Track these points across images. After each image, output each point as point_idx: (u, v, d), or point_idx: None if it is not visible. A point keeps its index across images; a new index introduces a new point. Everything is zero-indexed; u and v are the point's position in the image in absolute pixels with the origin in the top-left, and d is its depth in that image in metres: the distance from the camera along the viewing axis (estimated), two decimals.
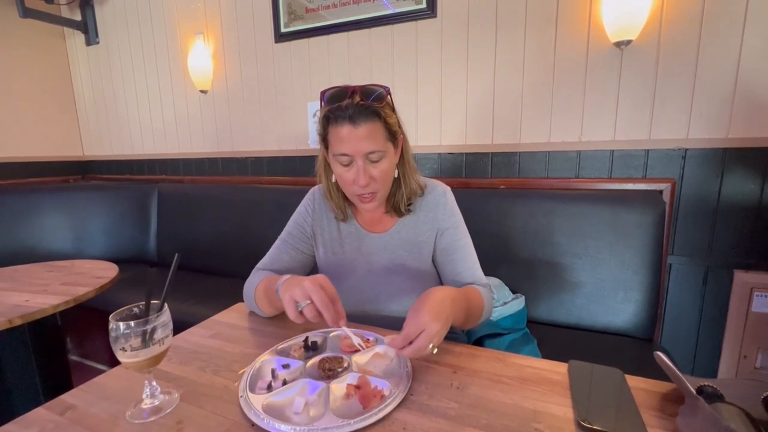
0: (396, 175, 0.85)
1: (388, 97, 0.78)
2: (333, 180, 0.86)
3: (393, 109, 0.81)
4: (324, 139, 0.81)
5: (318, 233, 0.94)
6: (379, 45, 1.76)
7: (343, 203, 0.90)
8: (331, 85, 0.77)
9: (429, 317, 0.57)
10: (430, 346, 0.57)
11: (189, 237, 2.11)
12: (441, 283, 0.90)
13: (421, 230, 0.88)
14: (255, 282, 0.84)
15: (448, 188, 0.91)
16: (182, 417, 0.53)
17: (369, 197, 0.80)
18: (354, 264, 0.90)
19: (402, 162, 0.86)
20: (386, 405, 0.52)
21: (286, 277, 0.69)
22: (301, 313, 0.63)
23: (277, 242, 0.94)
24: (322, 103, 0.78)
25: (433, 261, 0.90)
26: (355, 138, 0.74)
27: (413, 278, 0.87)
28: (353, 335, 0.65)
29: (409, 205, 0.88)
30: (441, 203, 0.88)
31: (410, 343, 0.57)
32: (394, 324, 0.76)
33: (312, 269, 0.97)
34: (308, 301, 0.62)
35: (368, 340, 0.68)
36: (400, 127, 0.83)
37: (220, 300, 1.54)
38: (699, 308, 1.42)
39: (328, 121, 0.77)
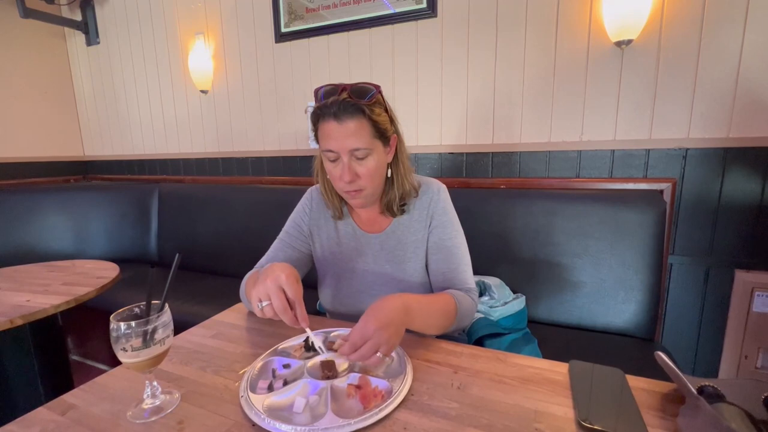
0: (389, 175, 0.85)
1: (379, 95, 0.78)
2: (328, 178, 0.86)
3: (385, 109, 0.80)
4: (316, 136, 0.82)
5: (315, 232, 0.94)
6: (379, 45, 1.76)
7: (338, 202, 0.90)
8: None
9: (375, 326, 0.57)
10: (379, 354, 0.57)
11: (189, 237, 2.11)
12: None
13: (415, 229, 0.88)
14: (246, 278, 0.85)
15: (443, 186, 0.91)
16: (183, 417, 0.53)
17: (355, 194, 0.81)
18: (351, 263, 0.90)
19: (395, 162, 0.85)
20: (387, 405, 0.52)
21: (268, 266, 0.68)
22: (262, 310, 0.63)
23: (276, 242, 0.94)
24: (316, 101, 0.78)
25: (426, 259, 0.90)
26: (340, 134, 0.75)
27: (411, 278, 0.87)
28: (315, 338, 0.65)
29: (403, 205, 0.88)
30: (434, 201, 0.88)
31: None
32: None
33: (311, 268, 0.97)
34: (268, 301, 0.61)
35: (332, 342, 0.68)
36: (393, 125, 0.83)
37: (220, 300, 1.54)
38: (700, 308, 1.42)
39: (317, 117, 0.78)
